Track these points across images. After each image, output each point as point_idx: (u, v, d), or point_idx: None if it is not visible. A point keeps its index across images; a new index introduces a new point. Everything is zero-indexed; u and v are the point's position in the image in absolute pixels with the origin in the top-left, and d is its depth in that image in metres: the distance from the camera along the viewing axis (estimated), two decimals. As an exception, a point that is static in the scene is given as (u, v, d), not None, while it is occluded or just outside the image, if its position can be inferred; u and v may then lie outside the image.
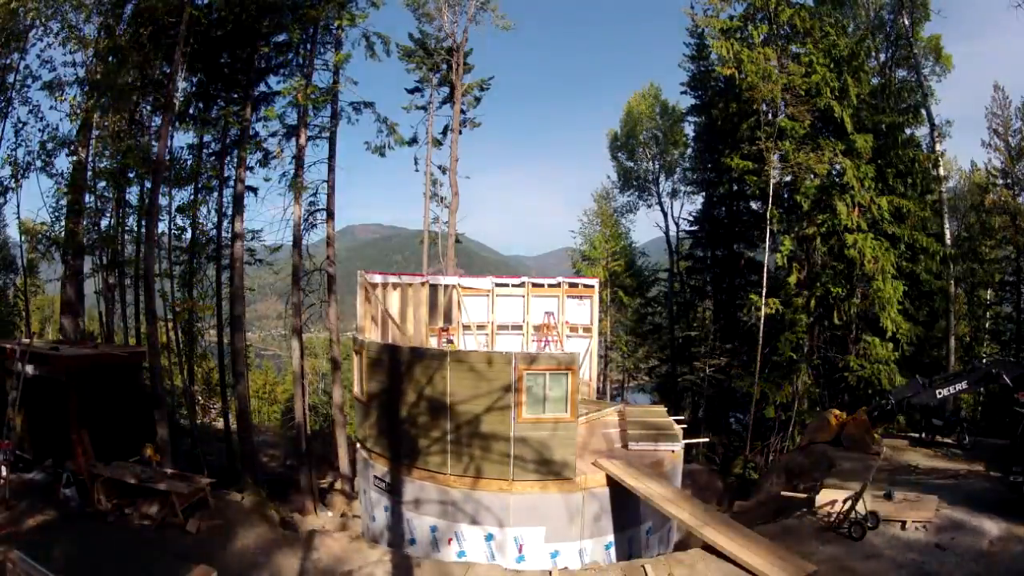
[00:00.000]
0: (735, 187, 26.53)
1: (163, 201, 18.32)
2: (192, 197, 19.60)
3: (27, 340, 12.42)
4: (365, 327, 14.77)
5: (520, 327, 19.19)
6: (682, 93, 30.72)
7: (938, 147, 22.52)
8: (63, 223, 18.39)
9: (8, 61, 17.25)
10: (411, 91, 26.66)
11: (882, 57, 24.74)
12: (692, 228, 31.74)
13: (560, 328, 18.94)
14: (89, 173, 19.19)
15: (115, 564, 8.99)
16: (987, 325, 25.07)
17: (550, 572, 9.63)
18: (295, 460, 22.11)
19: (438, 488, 11.45)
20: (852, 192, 19.76)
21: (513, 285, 19.43)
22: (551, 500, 11.04)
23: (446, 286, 18.75)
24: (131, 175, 19.84)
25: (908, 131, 22.29)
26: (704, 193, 30.37)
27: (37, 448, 12.45)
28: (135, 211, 20.92)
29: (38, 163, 17.81)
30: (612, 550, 11.25)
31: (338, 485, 21.33)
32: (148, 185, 17.10)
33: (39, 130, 17.74)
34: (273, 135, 19.71)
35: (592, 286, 19.20)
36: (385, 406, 12.32)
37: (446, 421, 11.25)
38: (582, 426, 13.44)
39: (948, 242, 21.69)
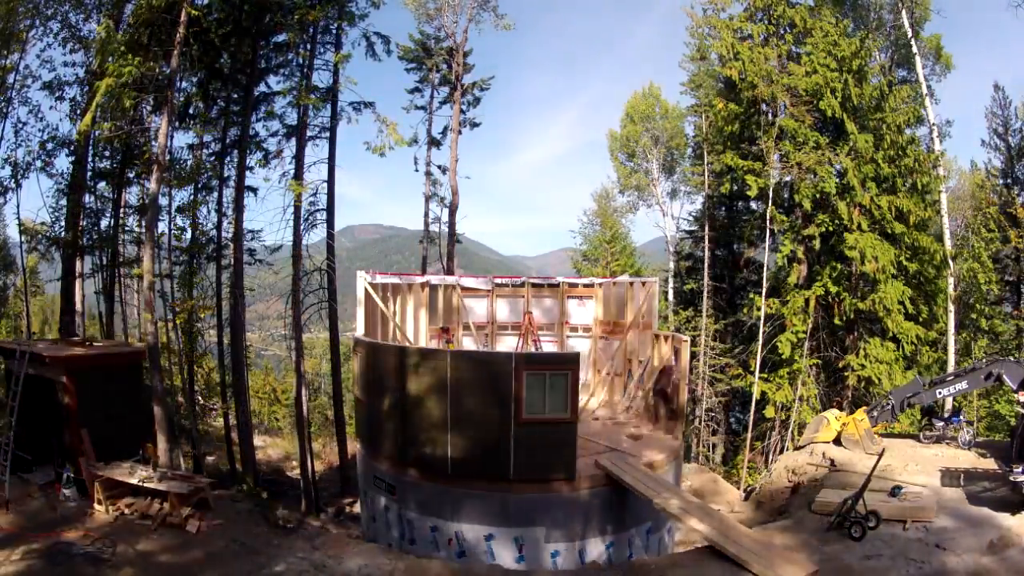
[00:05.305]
0: (735, 187, 26.51)
1: (163, 201, 18.31)
2: (192, 197, 19.61)
3: (27, 340, 12.42)
4: (365, 327, 14.77)
5: (520, 327, 19.17)
6: (682, 93, 30.81)
7: (938, 147, 22.51)
8: (63, 223, 18.38)
9: (8, 61, 17.24)
10: (411, 91, 26.74)
11: (882, 57, 24.74)
12: (692, 228, 31.73)
13: (557, 329, 18.91)
14: (89, 173, 19.20)
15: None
16: (987, 325, 25.04)
17: (550, 572, 9.63)
18: (296, 461, 22.12)
19: (438, 488, 11.44)
20: (853, 192, 19.76)
21: (513, 285, 19.42)
22: (551, 500, 11.04)
23: (446, 286, 18.73)
24: (131, 175, 19.84)
25: (908, 131, 22.29)
26: (704, 193, 30.37)
27: (37, 448, 12.44)
28: (135, 211, 20.93)
29: (38, 163, 17.80)
30: (612, 550, 11.25)
31: (338, 485, 21.35)
32: (148, 185, 17.11)
33: (39, 130, 17.76)
34: (273, 135, 19.74)
35: (592, 285, 19.14)
36: (385, 406, 12.31)
37: (446, 421, 11.24)
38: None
39: (948, 242, 21.68)
